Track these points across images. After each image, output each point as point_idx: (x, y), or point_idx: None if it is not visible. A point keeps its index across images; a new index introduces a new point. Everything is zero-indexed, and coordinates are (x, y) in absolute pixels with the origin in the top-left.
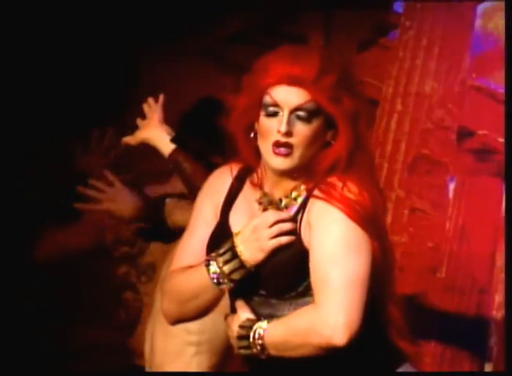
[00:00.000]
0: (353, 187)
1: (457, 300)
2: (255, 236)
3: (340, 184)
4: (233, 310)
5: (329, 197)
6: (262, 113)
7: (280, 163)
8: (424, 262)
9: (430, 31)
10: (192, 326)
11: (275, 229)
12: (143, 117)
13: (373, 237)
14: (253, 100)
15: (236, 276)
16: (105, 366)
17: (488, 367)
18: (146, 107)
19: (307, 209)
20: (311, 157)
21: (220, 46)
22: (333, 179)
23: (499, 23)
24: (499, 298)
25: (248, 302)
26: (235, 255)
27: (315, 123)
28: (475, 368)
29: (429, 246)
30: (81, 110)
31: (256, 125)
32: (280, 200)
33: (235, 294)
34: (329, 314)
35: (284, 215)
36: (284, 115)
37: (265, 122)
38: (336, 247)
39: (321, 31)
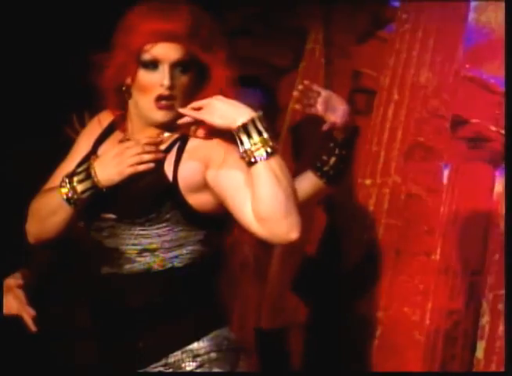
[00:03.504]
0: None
1: (451, 281)
2: (115, 162)
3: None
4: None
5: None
6: (141, 69)
7: (163, 116)
8: (420, 245)
9: (426, 24)
10: None
11: (136, 158)
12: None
13: None
14: (128, 58)
15: (86, 195)
16: None
17: (479, 345)
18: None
19: (187, 149)
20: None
21: None
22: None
23: (491, 16)
24: (490, 279)
25: (97, 233)
26: (88, 176)
27: (191, 73)
28: (468, 344)
29: (424, 229)
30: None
31: (128, 81)
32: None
33: (85, 219)
34: None
35: (148, 147)
36: (166, 70)
37: (145, 78)
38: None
39: (320, 24)
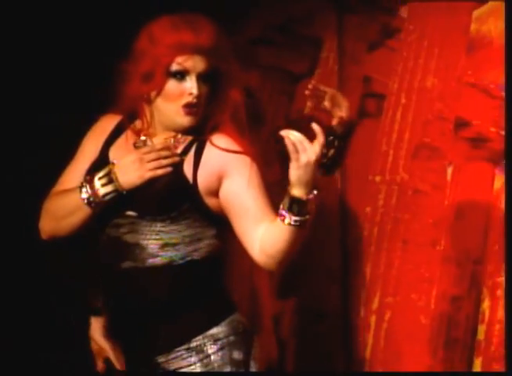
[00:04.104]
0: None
1: (454, 270)
2: (135, 166)
3: (224, 137)
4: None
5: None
6: (170, 79)
7: (189, 121)
8: (425, 237)
9: (431, 34)
10: None
11: (155, 163)
12: None
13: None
14: (156, 68)
15: (108, 197)
16: None
17: (480, 328)
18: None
19: (204, 153)
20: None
21: (242, 48)
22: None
23: (491, 27)
24: (490, 267)
25: (115, 229)
26: (111, 180)
27: (210, 83)
28: (470, 328)
29: (429, 222)
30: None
31: (153, 89)
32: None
33: (103, 217)
34: None
35: (165, 152)
36: (193, 80)
37: (173, 87)
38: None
39: (334, 34)
